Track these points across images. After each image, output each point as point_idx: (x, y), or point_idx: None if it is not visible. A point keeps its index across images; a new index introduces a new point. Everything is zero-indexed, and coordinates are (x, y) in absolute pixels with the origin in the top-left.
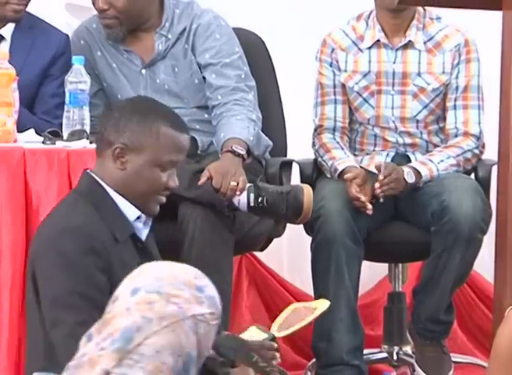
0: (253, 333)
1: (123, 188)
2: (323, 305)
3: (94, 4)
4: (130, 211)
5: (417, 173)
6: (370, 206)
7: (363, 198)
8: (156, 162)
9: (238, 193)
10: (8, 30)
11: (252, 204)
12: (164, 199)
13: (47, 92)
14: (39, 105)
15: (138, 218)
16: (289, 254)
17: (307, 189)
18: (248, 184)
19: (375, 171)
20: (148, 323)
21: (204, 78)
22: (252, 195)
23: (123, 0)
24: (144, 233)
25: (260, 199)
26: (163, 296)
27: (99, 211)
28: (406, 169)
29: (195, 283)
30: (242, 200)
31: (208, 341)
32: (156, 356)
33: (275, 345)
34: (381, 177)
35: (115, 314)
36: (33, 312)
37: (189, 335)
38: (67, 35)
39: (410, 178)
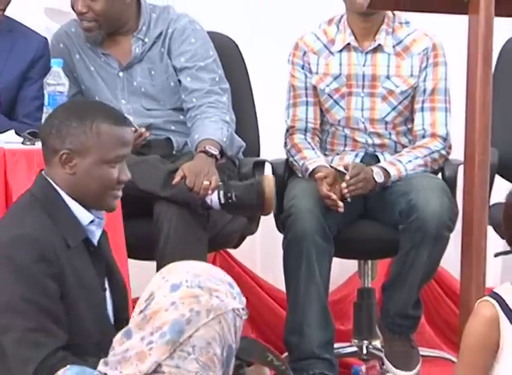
0: None
1: (77, 192)
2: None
3: (73, 7)
4: (83, 215)
5: (386, 172)
6: (341, 204)
7: (334, 197)
8: (103, 159)
9: (210, 192)
10: None
11: (223, 201)
12: (120, 193)
13: (27, 95)
14: (20, 108)
15: (92, 222)
16: (261, 251)
17: (268, 178)
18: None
19: (345, 171)
20: (197, 315)
21: (179, 81)
22: (221, 192)
23: (102, 3)
24: (97, 234)
25: (229, 195)
26: (205, 290)
27: (52, 217)
28: (375, 169)
29: (226, 279)
30: (214, 199)
31: (239, 336)
32: (208, 347)
33: None
34: (347, 177)
35: (157, 309)
36: None
37: (230, 327)
38: (46, 38)
39: (379, 178)
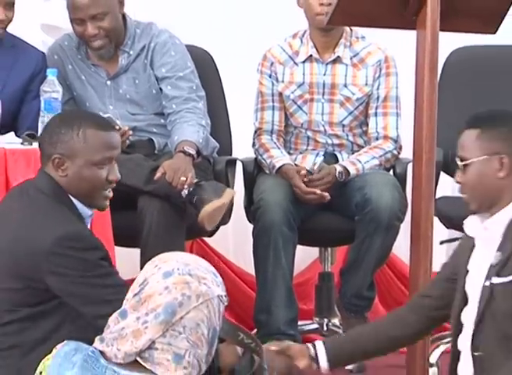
0: None
1: (71, 192)
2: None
3: (81, 35)
4: (84, 210)
5: (347, 171)
6: (326, 193)
7: (318, 191)
8: (91, 162)
9: (186, 187)
10: None
11: (184, 197)
12: (110, 194)
13: (32, 110)
14: (24, 122)
15: (90, 215)
16: (234, 239)
17: (210, 202)
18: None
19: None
20: (188, 299)
21: (160, 89)
22: (187, 191)
23: (109, 20)
24: (88, 224)
25: (191, 197)
26: (195, 278)
27: (65, 203)
28: (338, 169)
29: (211, 269)
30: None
31: (221, 320)
32: (197, 328)
33: None
34: (314, 178)
35: (151, 293)
36: None
37: (216, 312)
38: (44, 53)
39: (340, 177)
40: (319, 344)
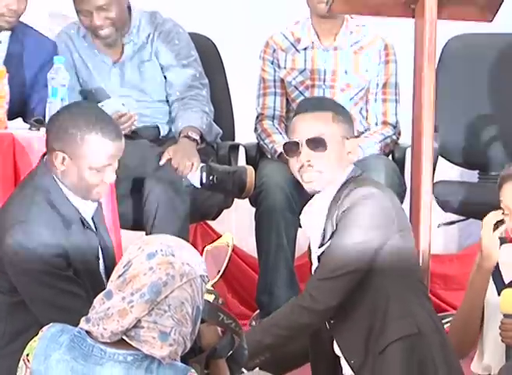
0: None
1: (67, 184)
2: (229, 238)
3: (87, 26)
4: (77, 198)
5: None
6: None
7: None
8: (89, 166)
9: (194, 171)
10: (5, 35)
11: (204, 181)
12: (104, 189)
13: (43, 98)
14: (34, 109)
15: (85, 203)
16: (236, 222)
17: (250, 170)
18: (201, 164)
19: None
20: (172, 279)
21: (165, 77)
22: (204, 174)
23: (115, 9)
24: (91, 210)
25: (211, 177)
26: (178, 258)
27: (51, 204)
28: None
29: (193, 251)
30: (196, 177)
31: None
32: (181, 306)
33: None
34: None
35: (136, 274)
36: None
37: (199, 291)
38: (55, 42)
39: None
40: None
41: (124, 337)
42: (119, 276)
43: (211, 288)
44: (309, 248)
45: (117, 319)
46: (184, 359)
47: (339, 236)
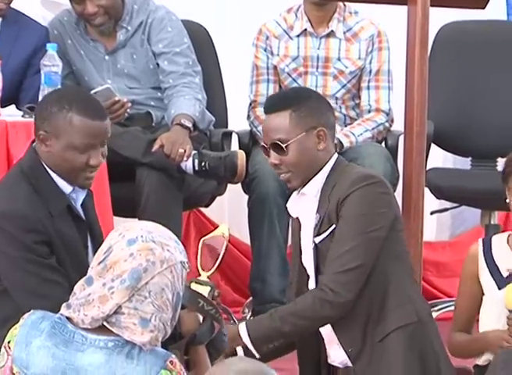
0: (197, 288)
1: (53, 167)
2: (225, 229)
3: (80, 14)
4: (64, 185)
5: (340, 143)
6: None
7: None
8: (72, 146)
9: (185, 159)
10: None
11: (196, 168)
12: (92, 175)
13: (33, 85)
14: (24, 95)
15: (73, 189)
16: (229, 209)
17: (241, 154)
18: (193, 152)
19: None
20: (153, 265)
21: (157, 64)
22: (196, 161)
23: None
24: (80, 199)
25: (203, 164)
26: (158, 244)
27: (37, 189)
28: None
29: (173, 237)
30: (188, 165)
31: (184, 285)
32: (162, 293)
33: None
34: None
35: (116, 260)
36: None
37: (179, 277)
38: (47, 29)
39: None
40: (242, 324)
41: (105, 324)
42: (100, 262)
43: (207, 280)
44: (294, 234)
45: (98, 305)
46: (164, 345)
47: (346, 225)
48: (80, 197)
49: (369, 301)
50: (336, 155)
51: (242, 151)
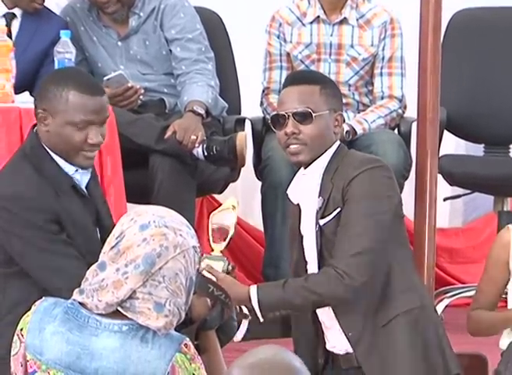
0: (210, 264)
1: (52, 147)
2: (234, 201)
3: (94, 1)
4: (67, 165)
5: (353, 130)
6: None
7: None
8: (68, 122)
9: (197, 145)
10: (18, 10)
11: (206, 153)
12: (91, 155)
13: (49, 72)
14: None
15: (76, 170)
16: (242, 196)
17: (241, 135)
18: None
19: None
20: (166, 250)
21: (170, 50)
22: (205, 146)
23: None
24: (84, 180)
25: (210, 148)
26: (171, 229)
27: (40, 170)
28: (345, 128)
29: (184, 222)
30: (200, 151)
31: (196, 270)
32: (175, 277)
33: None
34: None
35: (129, 245)
36: None
37: (192, 262)
38: (66, 21)
39: (347, 136)
40: (253, 287)
41: (119, 309)
42: (112, 247)
43: (220, 254)
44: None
45: (112, 290)
46: (175, 330)
47: (354, 208)
48: (84, 179)
49: (372, 285)
50: (338, 142)
51: (243, 133)
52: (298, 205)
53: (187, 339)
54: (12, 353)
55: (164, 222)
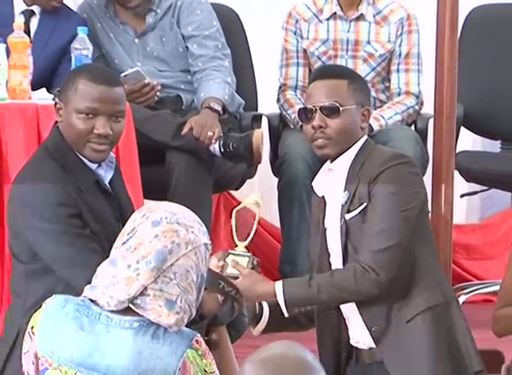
0: (235, 259)
1: (67, 139)
2: (258, 197)
3: None
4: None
5: (370, 126)
6: None
7: None
8: (75, 109)
9: (214, 141)
10: (37, 7)
11: (222, 149)
12: (98, 147)
13: (67, 69)
14: (59, 80)
15: (99, 165)
16: (259, 192)
17: (257, 132)
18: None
19: None
20: (178, 247)
21: (187, 47)
22: (221, 142)
23: None
24: (107, 176)
25: (227, 145)
26: (182, 226)
27: (63, 165)
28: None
29: (196, 219)
30: (216, 147)
31: (207, 267)
32: (187, 274)
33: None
34: None
35: (141, 242)
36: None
37: (203, 259)
38: (84, 19)
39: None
40: (278, 283)
41: (130, 306)
42: (124, 243)
43: (245, 250)
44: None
45: (123, 287)
46: (186, 326)
47: (380, 203)
48: (107, 175)
49: (396, 281)
50: (365, 137)
51: (259, 130)
52: (323, 197)
53: (198, 335)
54: (24, 351)
55: (176, 218)
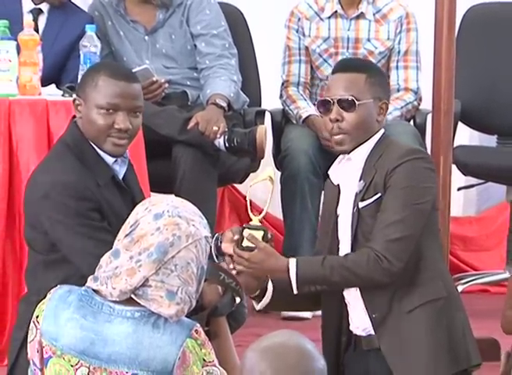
0: (251, 233)
1: (86, 134)
2: (271, 172)
3: None
4: (106, 156)
5: None
6: None
7: None
8: (95, 104)
9: (218, 136)
10: (45, 5)
11: (227, 144)
12: (119, 142)
13: (76, 66)
14: (68, 76)
15: (115, 161)
16: (262, 186)
17: (261, 128)
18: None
19: None
20: (179, 239)
21: (195, 45)
22: (226, 137)
23: None
24: (121, 171)
25: (231, 140)
26: (184, 219)
27: (82, 160)
28: None
29: (197, 212)
30: (221, 142)
31: (207, 259)
32: (187, 266)
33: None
34: None
35: (143, 234)
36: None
37: (203, 251)
38: (92, 17)
39: None
40: (293, 259)
41: (132, 296)
42: (126, 235)
43: (259, 224)
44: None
45: (125, 278)
46: (186, 317)
47: (395, 195)
48: (121, 170)
49: (402, 271)
50: (383, 130)
51: (263, 126)
52: (338, 185)
53: (198, 325)
54: (29, 340)
55: (177, 212)
